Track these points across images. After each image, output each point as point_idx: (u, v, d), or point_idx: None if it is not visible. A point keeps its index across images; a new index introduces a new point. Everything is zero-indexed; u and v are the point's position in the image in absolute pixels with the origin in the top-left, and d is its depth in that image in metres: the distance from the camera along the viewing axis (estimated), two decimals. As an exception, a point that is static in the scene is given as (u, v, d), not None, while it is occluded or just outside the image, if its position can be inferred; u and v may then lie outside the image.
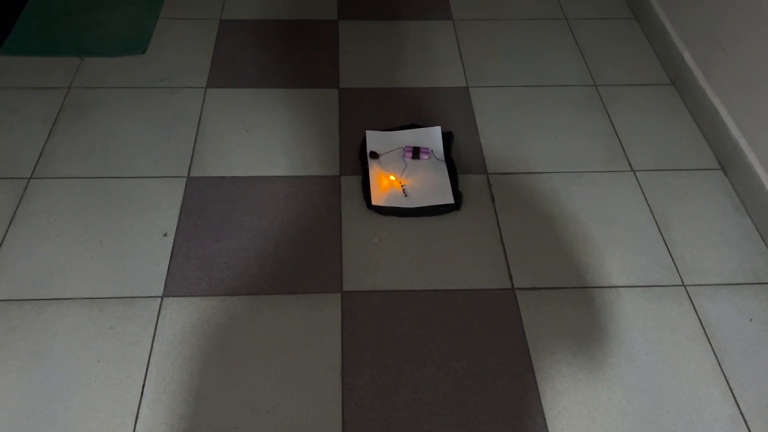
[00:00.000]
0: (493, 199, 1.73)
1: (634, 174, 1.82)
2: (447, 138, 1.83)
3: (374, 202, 1.66)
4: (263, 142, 1.86)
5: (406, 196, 1.68)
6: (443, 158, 1.78)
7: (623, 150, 1.88)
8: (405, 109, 1.99)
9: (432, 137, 1.83)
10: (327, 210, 1.69)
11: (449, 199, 1.67)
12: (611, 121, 1.98)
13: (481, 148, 1.87)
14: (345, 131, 1.90)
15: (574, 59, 2.19)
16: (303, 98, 2.01)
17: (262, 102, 1.99)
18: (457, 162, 1.81)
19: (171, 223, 1.65)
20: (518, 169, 1.82)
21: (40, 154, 1.80)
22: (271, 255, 1.59)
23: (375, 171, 1.74)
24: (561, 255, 1.61)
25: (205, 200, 1.70)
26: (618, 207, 1.73)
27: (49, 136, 1.85)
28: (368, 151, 1.78)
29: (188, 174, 1.77)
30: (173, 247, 1.59)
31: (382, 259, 1.59)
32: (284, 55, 2.16)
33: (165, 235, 1.62)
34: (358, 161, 1.80)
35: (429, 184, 1.71)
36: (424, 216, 1.67)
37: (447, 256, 1.60)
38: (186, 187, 1.73)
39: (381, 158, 1.77)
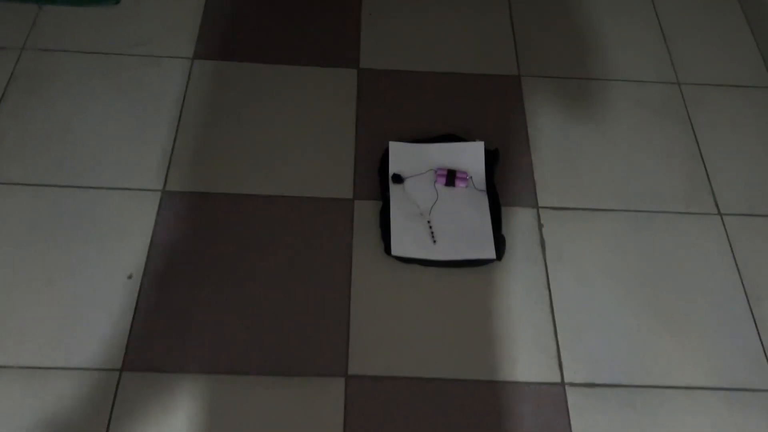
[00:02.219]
0: (543, 246, 1.38)
1: (721, 219, 1.45)
2: (491, 158, 1.45)
3: (395, 251, 1.31)
4: (258, 143, 1.48)
5: (434, 242, 1.33)
6: (484, 187, 1.41)
7: (708, 181, 1.50)
8: (440, 102, 1.59)
9: (472, 156, 1.44)
10: (334, 252, 1.34)
11: (489, 253, 1.32)
12: (695, 135, 1.58)
13: (531, 167, 1.49)
14: (363, 133, 1.52)
15: (653, 42, 1.75)
16: (312, 80, 1.60)
17: (261, 83, 1.59)
18: (500, 188, 1.44)
19: (138, 259, 1.31)
20: (577, 202, 1.45)
21: (-20, 147, 1.44)
22: (258, 318, 1.26)
23: (398, 202, 1.37)
24: (621, 336, 1.28)
25: (182, 227, 1.35)
26: (697, 267, 1.38)
27: (-8, 120, 1.48)
28: (390, 174, 1.41)
29: (164, 187, 1.41)
30: (138, 296, 1.27)
31: (399, 327, 1.26)
32: (292, 17, 1.73)
33: (130, 277, 1.29)
34: (377, 181, 1.43)
35: (465, 227, 1.35)
36: (456, 268, 1.33)
37: (481, 327, 1.27)
38: (160, 206, 1.38)
39: (406, 183, 1.40)
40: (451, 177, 1.40)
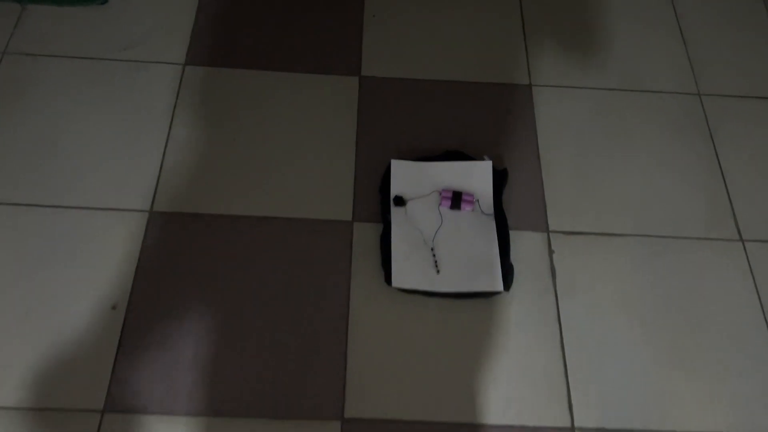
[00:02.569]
0: (553, 274, 1.30)
1: (743, 245, 1.36)
2: (499, 178, 1.36)
3: (396, 282, 1.23)
4: (252, 159, 1.39)
5: (438, 271, 1.25)
6: (492, 210, 1.32)
7: (730, 203, 1.41)
8: (446, 113, 1.49)
9: (479, 176, 1.35)
10: (332, 280, 1.26)
11: (496, 285, 1.24)
12: (716, 152, 1.49)
13: (542, 187, 1.40)
14: (364, 147, 1.43)
15: (673, 49, 1.65)
16: (311, 89, 1.51)
17: (256, 91, 1.49)
18: (509, 210, 1.35)
19: (123, 288, 1.23)
20: (590, 226, 1.36)
21: (-43, 163, 1.36)
22: (250, 355, 1.18)
23: (400, 227, 1.29)
24: (635, 377, 1.20)
25: (171, 252, 1.27)
26: (717, 300, 1.29)
27: (-30, 132, 1.40)
28: (392, 195, 1.32)
29: (151, 207, 1.32)
30: (123, 330, 1.19)
31: (400, 365, 1.18)
32: (290, 20, 1.63)
33: (114, 307, 1.21)
34: (378, 200, 1.34)
35: (470, 255, 1.27)
36: (461, 299, 1.25)
37: (486, 364, 1.20)
38: (147, 228, 1.30)
39: (409, 206, 1.31)
40: (456, 200, 1.31)
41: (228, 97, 1.48)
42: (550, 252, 1.32)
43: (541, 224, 1.36)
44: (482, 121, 1.49)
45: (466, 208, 1.31)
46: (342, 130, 1.45)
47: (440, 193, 1.32)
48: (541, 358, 1.21)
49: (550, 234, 1.35)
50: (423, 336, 1.22)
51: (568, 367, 1.20)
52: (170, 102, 1.46)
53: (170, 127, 1.43)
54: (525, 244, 1.33)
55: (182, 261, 1.26)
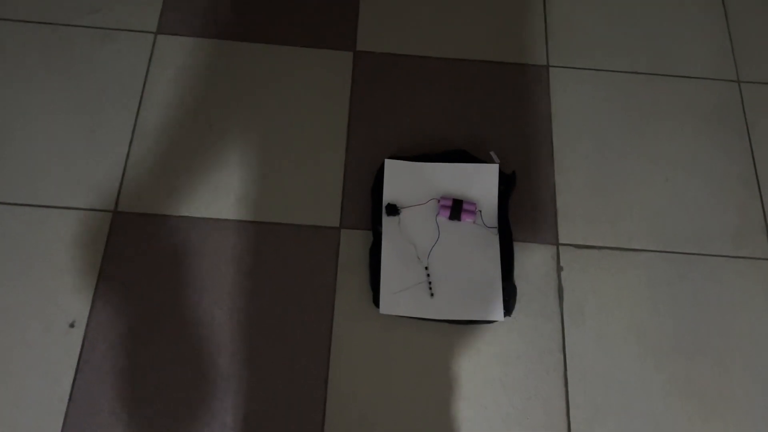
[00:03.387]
0: (561, 296, 1.17)
1: (776, 266, 1.22)
2: (506, 182, 1.20)
3: (384, 308, 1.10)
4: (231, 151, 1.24)
5: (432, 295, 1.12)
6: (495, 221, 1.17)
7: (764, 216, 1.26)
8: (448, 96, 1.32)
9: (483, 181, 1.20)
10: (314, 297, 1.14)
11: (496, 313, 1.11)
12: (752, 151, 1.32)
13: (554, 191, 1.25)
14: (356, 138, 1.27)
15: (712, 27, 1.45)
16: (299, 66, 1.34)
17: (237, 66, 1.32)
18: (515, 218, 1.21)
19: (82, 304, 1.11)
20: (604, 239, 1.22)
21: None
22: (221, 383, 1.07)
23: (392, 240, 1.15)
24: (645, 418, 1.09)
25: (136, 260, 1.14)
26: (743, 329, 1.17)
27: None
28: (384, 203, 1.17)
29: (115, 206, 1.19)
30: (81, 352, 1.08)
31: (385, 398, 1.08)
32: (279, -22, 1.43)
33: (72, 325, 1.09)
34: (369, 203, 1.20)
35: (469, 277, 1.13)
36: (456, 323, 1.13)
37: (482, 399, 1.09)
38: (111, 231, 1.16)
39: (403, 215, 1.17)
40: (456, 209, 1.16)
41: (205, 72, 1.31)
42: (558, 269, 1.19)
43: (550, 235, 1.21)
44: (491, 107, 1.32)
45: (466, 219, 1.16)
46: (332, 118, 1.29)
47: (438, 202, 1.17)
48: (542, 394, 1.10)
49: (560, 248, 1.21)
50: (412, 364, 1.10)
51: (571, 404, 1.09)
52: (140, 77, 1.30)
53: (138, 109, 1.27)
54: (530, 259, 1.19)
55: (148, 270, 1.14)
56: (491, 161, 1.24)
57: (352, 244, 1.18)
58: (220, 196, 1.20)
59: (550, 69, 1.37)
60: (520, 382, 1.10)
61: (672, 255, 1.21)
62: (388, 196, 1.18)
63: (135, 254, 1.15)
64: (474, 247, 1.15)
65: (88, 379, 1.06)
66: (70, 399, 1.05)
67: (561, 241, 1.21)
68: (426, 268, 1.13)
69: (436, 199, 1.18)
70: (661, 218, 1.24)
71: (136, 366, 1.07)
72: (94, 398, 1.05)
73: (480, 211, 1.17)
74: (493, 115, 1.31)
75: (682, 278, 1.19)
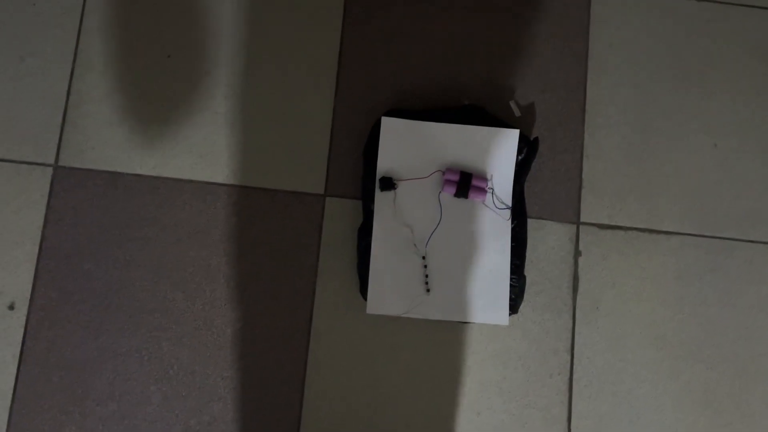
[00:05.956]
0: (575, 287, 1.02)
1: (826, 258, 1.06)
2: (526, 153, 1.00)
3: (372, 307, 0.95)
4: (195, 92, 1.02)
5: (428, 290, 0.96)
6: (509, 200, 0.99)
7: (822, 194, 1.08)
8: (462, 28, 1.07)
9: (500, 150, 0.99)
10: (292, 286, 0.99)
11: (499, 316, 0.97)
12: (822, 110, 1.10)
13: (581, 155, 1.05)
14: (348, 81, 1.04)
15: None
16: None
17: (204, -24, 1.06)
18: (531, 192, 1.02)
19: (22, 281, 0.96)
20: (632, 218, 1.04)
21: None
22: (181, 378, 0.96)
23: (385, 222, 0.97)
24: (658, 429, 0.99)
25: (83, 228, 0.98)
26: (776, 333, 1.03)
27: None
28: (378, 175, 0.98)
29: (56, 160, 0.99)
30: (24, 340, 0.95)
31: (370, 403, 0.97)
32: None
33: (11, 307, 0.95)
34: (361, 170, 1.01)
35: (473, 270, 0.97)
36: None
37: (475, 402, 0.98)
38: (52, 191, 0.98)
39: (400, 190, 0.98)
40: (464, 186, 0.97)
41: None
42: (576, 254, 1.02)
43: (570, 212, 1.04)
44: (515, 43, 1.07)
45: (476, 197, 0.98)
46: (318, 54, 1.05)
47: (443, 175, 0.98)
48: (543, 400, 0.99)
49: (580, 227, 1.03)
50: (399, 362, 0.98)
51: (573, 414, 0.99)
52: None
53: (79, 31, 1.02)
54: (544, 241, 1.02)
55: (99, 238, 0.98)
56: (510, 114, 1.03)
57: (339, 216, 1.01)
58: (181, 151, 1.01)
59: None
60: (520, 386, 0.99)
61: (708, 240, 1.04)
62: (384, 163, 0.98)
63: (82, 220, 0.98)
64: (481, 233, 0.98)
65: (33, 373, 0.94)
66: (13, 397, 0.93)
67: (583, 220, 1.04)
68: (423, 258, 0.96)
69: (440, 171, 0.98)
70: (701, 193, 1.06)
71: (87, 357, 0.95)
72: (41, 395, 0.93)
73: (492, 189, 0.98)
74: (518, 53, 1.07)
75: (715, 270, 1.03)
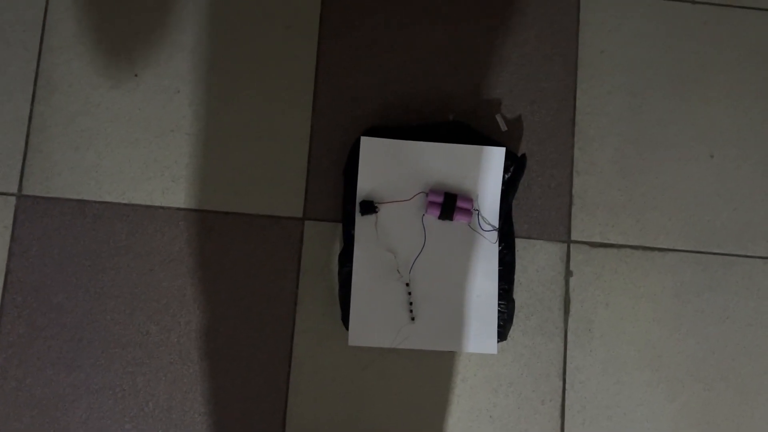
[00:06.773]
0: (567, 308, 0.98)
1: (827, 271, 1.02)
2: (513, 171, 0.95)
3: (354, 339, 0.91)
4: (166, 113, 0.97)
5: (413, 319, 0.92)
6: (496, 221, 0.94)
7: (824, 205, 1.03)
8: (446, 28, 1.02)
9: (485, 169, 0.94)
10: (271, 314, 0.94)
11: (487, 345, 0.93)
12: (824, 117, 1.05)
13: (571, 170, 1.01)
14: (325, 96, 0.99)
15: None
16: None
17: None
18: (518, 208, 0.98)
19: (-13, 316, 0.92)
20: (626, 235, 1.00)
21: None
22: (156, 412, 0.92)
23: (366, 248, 0.92)
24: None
25: (50, 260, 0.93)
26: (776, 352, 1.00)
27: None
28: (359, 199, 0.93)
29: (19, 189, 0.94)
30: (-9, 379, 0.91)
31: (353, 426, 0.93)
32: None
33: (-24, 345, 0.91)
34: (341, 191, 0.96)
35: (459, 297, 0.93)
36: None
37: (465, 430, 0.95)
38: (15, 223, 0.93)
39: (381, 214, 0.93)
40: (448, 207, 0.92)
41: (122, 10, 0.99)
42: (567, 274, 0.98)
43: (560, 230, 0.99)
44: (501, 51, 1.02)
45: (461, 219, 0.93)
46: (295, 65, 1.00)
47: (426, 197, 0.93)
48: (534, 428, 0.95)
49: (571, 246, 0.99)
50: (384, 391, 0.94)
51: (566, 441, 0.95)
52: (40, 7, 0.98)
53: (41, 49, 0.97)
54: (534, 261, 0.98)
55: (64, 269, 0.93)
56: (497, 127, 0.98)
57: (319, 240, 0.96)
58: (152, 176, 0.96)
59: (583, -7, 1.05)
60: (511, 413, 0.95)
61: (705, 256, 1.00)
62: (364, 185, 0.93)
63: (49, 251, 0.93)
64: (467, 257, 0.93)
65: (3, 413, 0.90)
66: (-17, 434, 0.90)
67: (573, 238, 0.99)
68: (407, 284, 0.92)
69: (423, 192, 0.93)
70: (698, 207, 1.01)
71: (59, 394, 0.91)
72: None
73: (477, 211, 0.94)
74: (504, 62, 1.02)
75: (713, 287, 0.99)
